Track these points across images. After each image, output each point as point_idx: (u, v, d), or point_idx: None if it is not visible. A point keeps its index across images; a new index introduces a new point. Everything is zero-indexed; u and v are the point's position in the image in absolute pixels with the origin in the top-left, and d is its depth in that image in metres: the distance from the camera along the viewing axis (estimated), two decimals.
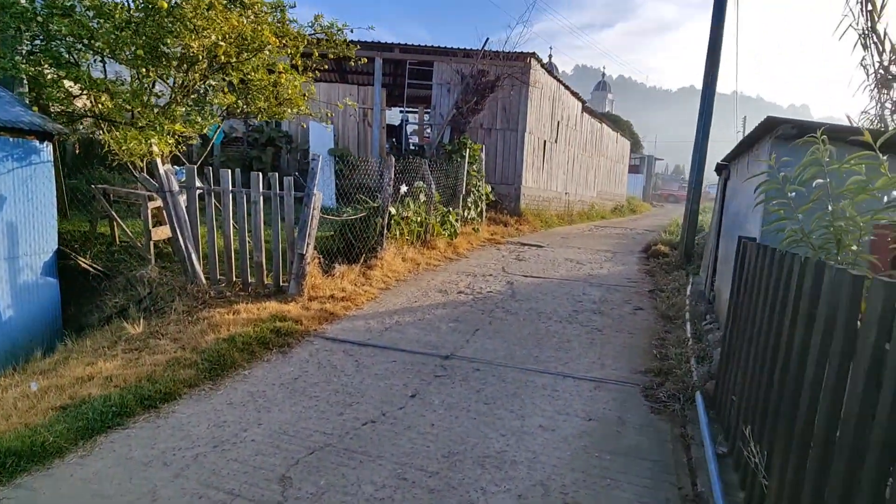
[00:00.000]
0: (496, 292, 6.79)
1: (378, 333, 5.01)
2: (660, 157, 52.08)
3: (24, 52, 6.02)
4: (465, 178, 10.62)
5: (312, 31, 6.78)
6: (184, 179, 6.14)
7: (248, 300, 5.58)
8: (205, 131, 6.09)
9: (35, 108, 5.87)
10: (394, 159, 7.43)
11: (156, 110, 5.94)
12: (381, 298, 6.22)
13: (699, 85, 8.95)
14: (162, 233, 6.67)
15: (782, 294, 2.36)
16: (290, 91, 6.10)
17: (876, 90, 9.12)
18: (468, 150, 11.20)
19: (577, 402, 3.74)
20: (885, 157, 1.70)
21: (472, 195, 11.20)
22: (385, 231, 7.43)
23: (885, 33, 9.09)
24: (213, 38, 4.83)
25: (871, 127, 6.79)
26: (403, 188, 8.02)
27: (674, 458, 3.06)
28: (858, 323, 1.65)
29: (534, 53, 13.82)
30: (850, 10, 8.99)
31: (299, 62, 6.71)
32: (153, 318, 5.34)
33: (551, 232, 14.30)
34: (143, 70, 5.38)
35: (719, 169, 6.41)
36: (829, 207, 2.02)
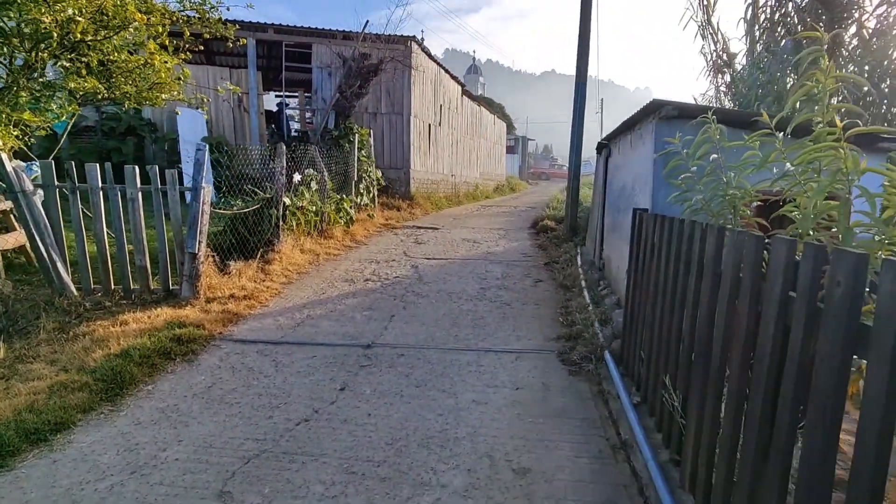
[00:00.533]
0: (403, 277, 6.81)
1: (291, 330, 4.80)
2: (531, 138, 55.21)
3: None
4: (356, 164, 10.41)
5: (181, 8, 6.13)
6: (35, 177, 5.31)
7: (135, 309, 5.02)
8: (62, 120, 5.27)
9: None
10: (284, 147, 7.05)
11: None
12: (285, 293, 5.94)
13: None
14: (12, 240, 5.70)
15: (685, 257, 2.68)
16: (162, 74, 5.48)
17: (712, 75, 10.47)
18: (356, 135, 10.97)
19: (502, 373, 3.93)
20: (780, 135, 2.02)
21: (363, 181, 11.03)
22: (281, 223, 7.07)
23: (718, 26, 10.38)
24: (70, 11, 4.16)
25: (709, 105, 7.76)
26: (297, 177, 7.67)
27: (597, 413, 3.36)
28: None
29: (414, 37, 13.84)
30: (691, 3, 10.15)
31: (167, 41, 6.05)
32: (15, 340, 4.58)
33: (442, 214, 14.59)
34: None
35: (600, 147, 7.00)
36: (725, 180, 2.34)
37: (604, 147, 6.79)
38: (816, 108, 1.78)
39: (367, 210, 11.05)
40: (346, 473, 2.69)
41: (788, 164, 1.96)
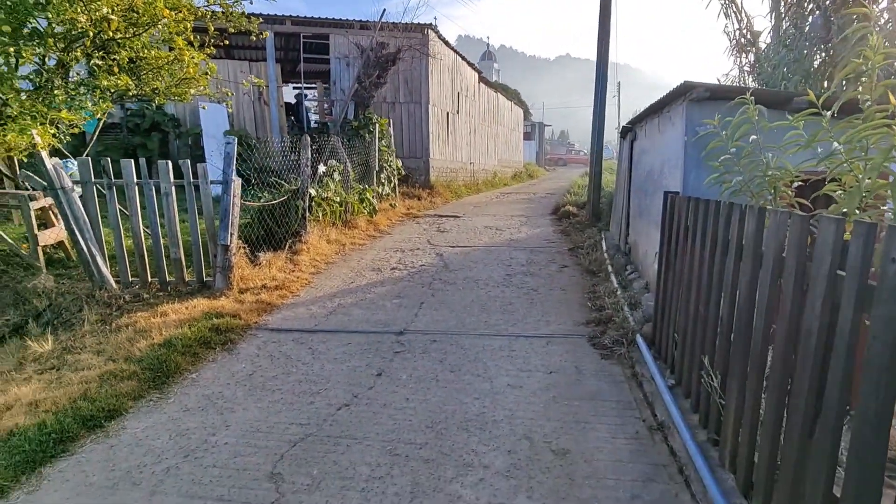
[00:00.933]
0: (429, 265, 6.88)
1: (324, 318, 4.90)
2: (548, 124, 54.59)
3: None
4: (376, 154, 10.47)
5: (206, 3, 6.22)
6: (71, 173, 5.47)
7: (172, 300, 5.17)
8: (96, 117, 5.41)
9: None
10: (309, 139, 7.13)
11: (23, 95, 5.16)
12: (315, 283, 6.05)
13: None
14: (53, 236, 5.90)
15: (723, 239, 2.68)
16: (191, 69, 5.58)
17: (735, 54, 10.26)
18: (376, 125, 11.01)
19: (535, 358, 3.98)
20: (827, 114, 2.00)
21: (384, 171, 11.09)
22: (307, 214, 7.17)
23: (741, 4, 10.15)
24: (105, 10, 4.26)
25: (745, 86, 7.60)
26: (321, 168, 7.75)
27: (631, 396, 3.39)
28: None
29: (430, 24, 13.78)
30: None
31: (192, 37, 6.14)
32: (61, 333, 4.76)
33: (463, 202, 14.60)
34: (11, 49, 4.63)
35: (624, 131, 6.94)
36: (765, 160, 2.33)
37: (628, 131, 6.72)
38: (864, 82, 1.76)
39: (389, 199, 11.12)
40: (390, 455, 2.77)
41: (836, 143, 1.95)
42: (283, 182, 7.26)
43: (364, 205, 9.23)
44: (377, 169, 10.54)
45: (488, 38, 62.67)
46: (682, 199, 3.40)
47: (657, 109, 4.96)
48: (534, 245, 8.15)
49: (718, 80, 9.52)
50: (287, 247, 6.73)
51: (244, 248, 5.89)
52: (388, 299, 5.44)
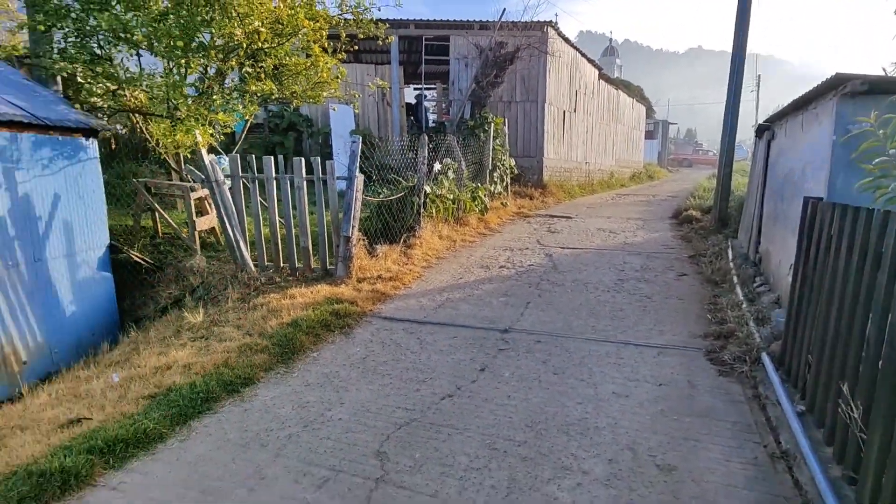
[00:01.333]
0: (537, 265, 6.83)
1: (432, 311, 5.10)
2: (673, 122, 51.06)
3: (56, 49, 6.05)
4: (490, 153, 10.57)
5: (339, 12, 6.72)
6: (224, 167, 6.21)
7: (299, 284, 5.69)
8: (246, 118, 6.12)
9: (77, 106, 5.93)
10: (426, 138, 7.42)
11: (189, 100, 5.99)
12: (426, 277, 6.30)
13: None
14: (205, 223, 6.77)
15: (875, 251, 2.37)
16: (324, 74, 6.09)
17: None
18: (491, 124, 11.12)
19: (644, 368, 3.81)
20: None
21: (497, 170, 11.16)
22: (421, 210, 7.47)
23: None
24: (256, 24, 4.83)
25: None
26: (437, 166, 8.03)
27: (752, 418, 3.12)
28: None
29: (550, 22, 13.57)
30: None
31: (326, 44, 6.68)
32: (210, 307, 5.47)
33: (576, 202, 14.24)
34: (182, 61, 5.40)
35: (760, 130, 6.32)
36: None
37: (765, 130, 6.11)
38: None
39: (501, 198, 11.19)
40: (489, 449, 2.83)
41: None
42: (400, 179, 7.64)
43: (476, 203, 9.38)
44: (490, 168, 10.64)
45: (611, 32, 59.90)
46: (825, 206, 3.05)
47: (801, 105, 4.46)
48: (650, 250, 7.73)
49: (884, 71, 8.27)
50: (401, 240, 7.07)
51: (363, 240, 6.30)
52: (494, 297, 5.51)
